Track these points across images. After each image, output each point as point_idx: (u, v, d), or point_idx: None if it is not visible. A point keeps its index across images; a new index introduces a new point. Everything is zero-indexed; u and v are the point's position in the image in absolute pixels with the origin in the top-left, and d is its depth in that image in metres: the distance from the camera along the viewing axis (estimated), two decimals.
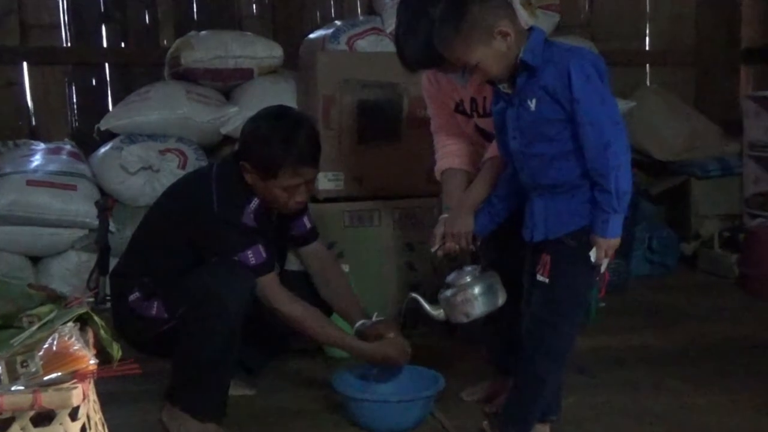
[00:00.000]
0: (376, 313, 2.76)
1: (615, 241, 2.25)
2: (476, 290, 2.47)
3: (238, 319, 2.52)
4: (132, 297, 2.67)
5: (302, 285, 2.82)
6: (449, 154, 2.79)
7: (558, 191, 2.29)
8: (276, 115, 2.66)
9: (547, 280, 2.32)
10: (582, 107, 2.17)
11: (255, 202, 2.61)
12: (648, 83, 5.61)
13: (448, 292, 2.50)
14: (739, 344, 3.46)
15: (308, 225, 2.87)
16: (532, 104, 2.24)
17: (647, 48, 5.69)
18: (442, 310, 2.51)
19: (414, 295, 2.57)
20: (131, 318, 2.68)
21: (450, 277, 2.53)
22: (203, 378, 2.55)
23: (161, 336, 2.62)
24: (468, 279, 2.48)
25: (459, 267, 2.54)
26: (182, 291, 2.54)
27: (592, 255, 2.27)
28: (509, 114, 2.32)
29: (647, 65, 5.67)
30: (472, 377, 2.98)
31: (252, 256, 2.56)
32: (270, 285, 2.60)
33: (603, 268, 2.33)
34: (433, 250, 2.61)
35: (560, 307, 2.34)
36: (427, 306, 2.53)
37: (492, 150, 2.59)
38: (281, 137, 2.54)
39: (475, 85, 2.59)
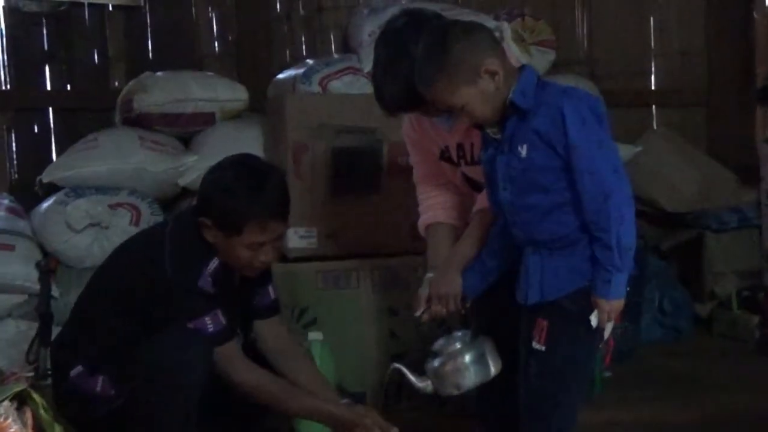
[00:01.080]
0: (347, 401, 2.75)
1: (618, 303, 2.26)
2: (467, 358, 2.46)
3: (194, 395, 2.49)
4: (74, 372, 2.65)
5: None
6: (434, 206, 2.81)
7: (555, 247, 2.30)
8: (240, 164, 2.66)
9: (543, 348, 2.32)
10: (579, 154, 2.19)
11: (214, 263, 2.60)
12: (654, 126, 5.66)
13: (436, 362, 2.49)
14: (762, 416, 3.45)
15: (272, 296, 2.86)
16: (524, 151, 2.26)
17: (653, 87, 5.76)
18: (429, 382, 2.50)
19: (397, 365, 2.55)
20: (74, 396, 2.65)
21: (437, 345, 2.52)
22: None
23: (108, 417, 2.60)
24: (458, 346, 2.48)
25: (447, 332, 2.55)
26: (131, 364, 2.53)
27: (593, 319, 2.27)
28: (499, 162, 2.34)
29: (653, 106, 5.72)
30: None
31: (210, 322, 2.55)
32: (229, 355, 2.59)
33: (607, 334, 2.33)
34: (417, 314, 2.61)
35: (560, 378, 2.33)
36: (412, 378, 2.51)
37: (481, 201, 2.61)
38: (246, 188, 2.54)
39: (462, 130, 2.62)
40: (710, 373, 4.10)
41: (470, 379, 2.47)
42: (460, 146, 2.69)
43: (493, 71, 2.24)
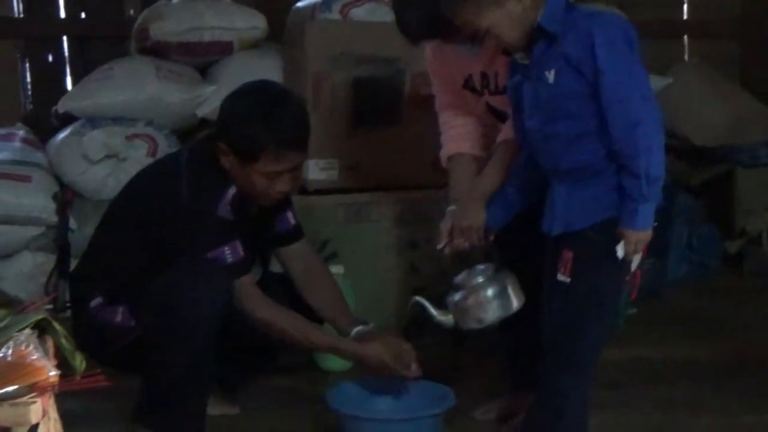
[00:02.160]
0: (372, 325, 2.78)
1: (645, 235, 2.25)
2: (489, 292, 2.48)
3: (213, 326, 2.52)
4: (93, 303, 2.68)
5: (286, 290, 2.83)
6: (457, 137, 2.81)
7: (581, 176, 2.29)
8: (259, 90, 2.65)
9: (568, 280, 2.32)
10: (607, 80, 2.17)
11: (232, 191, 2.59)
12: (686, 58, 5.61)
13: (458, 295, 2.51)
14: None
15: (292, 221, 2.86)
16: (551, 76, 2.24)
17: (685, 17, 5.69)
18: (451, 316, 2.53)
19: (418, 298, 2.58)
20: (93, 326, 2.68)
21: (459, 278, 2.54)
22: (177, 395, 2.56)
23: (128, 347, 2.63)
24: (480, 279, 2.50)
25: (469, 266, 2.55)
26: (150, 295, 2.54)
27: (620, 250, 2.26)
28: (526, 88, 2.33)
29: (685, 37, 5.67)
30: (485, 393, 3.01)
31: (229, 253, 2.55)
32: (246, 287, 2.60)
33: (633, 267, 2.33)
34: (439, 247, 2.63)
35: (584, 312, 2.33)
36: (434, 311, 2.54)
37: (506, 131, 2.61)
38: (263, 116, 2.52)
39: (486, 58, 2.61)
40: (738, 311, 4.11)
41: (492, 313, 2.49)
42: (483, 75, 2.68)
43: None
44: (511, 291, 2.50)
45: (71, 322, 2.75)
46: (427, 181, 3.71)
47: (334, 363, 3.23)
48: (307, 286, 2.83)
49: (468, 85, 2.74)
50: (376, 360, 2.62)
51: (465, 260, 2.63)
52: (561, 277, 2.33)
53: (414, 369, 2.66)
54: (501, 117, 2.69)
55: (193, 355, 2.52)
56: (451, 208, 2.64)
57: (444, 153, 2.83)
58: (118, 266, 2.69)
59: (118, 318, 2.65)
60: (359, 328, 2.73)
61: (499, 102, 2.66)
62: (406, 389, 2.75)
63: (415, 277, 3.70)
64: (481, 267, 2.54)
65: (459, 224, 2.56)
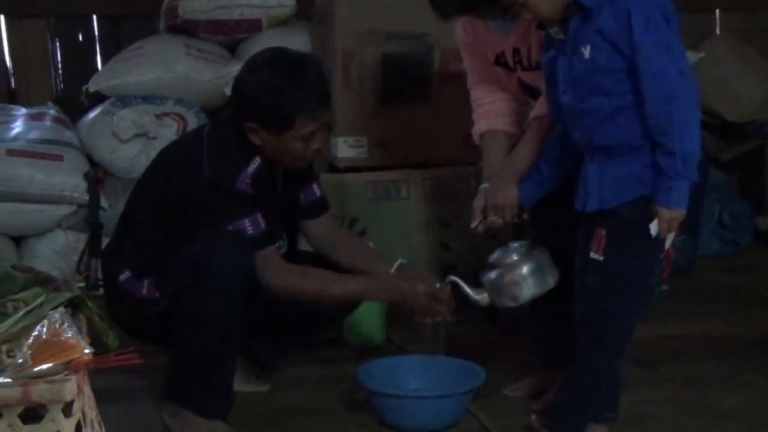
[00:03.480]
0: (399, 261, 2.78)
1: (680, 213, 2.24)
2: (525, 270, 2.49)
3: (236, 296, 2.52)
4: (122, 277, 2.71)
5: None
6: (489, 113, 2.79)
7: (615, 153, 2.28)
8: (274, 60, 2.63)
9: (601, 258, 2.31)
10: (643, 54, 2.15)
11: (255, 164, 2.60)
12: (718, 31, 5.54)
13: (493, 273, 2.52)
14: None
15: (318, 193, 2.87)
16: (587, 51, 2.23)
17: None
18: (486, 294, 2.54)
19: (453, 277, 2.60)
20: (122, 300, 2.72)
21: (494, 256, 2.55)
22: (203, 367, 2.57)
23: (155, 319, 2.65)
24: (515, 257, 2.51)
25: (503, 244, 2.55)
26: (172, 267, 2.56)
27: (653, 228, 2.25)
28: (561, 63, 2.31)
29: (717, 10, 5.59)
30: (516, 370, 3.01)
31: (249, 225, 2.55)
32: (268, 259, 2.60)
33: (667, 245, 2.32)
34: (473, 225, 2.63)
35: (617, 289, 2.33)
36: (468, 290, 2.55)
37: (539, 108, 2.59)
38: (290, 83, 2.54)
39: (518, 33, 2.59)
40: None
41: (528, 290, 2.50)
42: (516, 51, 2.67)
43: None
44: (546, 268, 2.52)
45: (104, 295, 2.80)
46: (456, 158, 3.72)
47: (365, 340, 3.24)
48: (334, 251, 2.84)
49: (499, 61, 2.72)
50: (408, 290, 2.63)
51: (498, 237, 2.63)
52: (594, 255, 2.32)
53: (445, 308, 2.65)
54: (533, 93, 2.68)
55: (217, 325, 2.52)
56: (484, 185, 2.64)
57: (477, 130, 2.82)
58: (143, 241, 2.72)
59: (144, 290, 2.68)
60: (400, 261, 2.75)
61: (531, 78, 2.64)
62: (436, 366, 2.75)
63: (446, 254, 3.70)
64: (515, 245, 2.55)
65: (492, 202, 2.56)
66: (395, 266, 2.76)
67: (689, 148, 2.17)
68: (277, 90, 2.53)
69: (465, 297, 2.56)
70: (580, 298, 2.40)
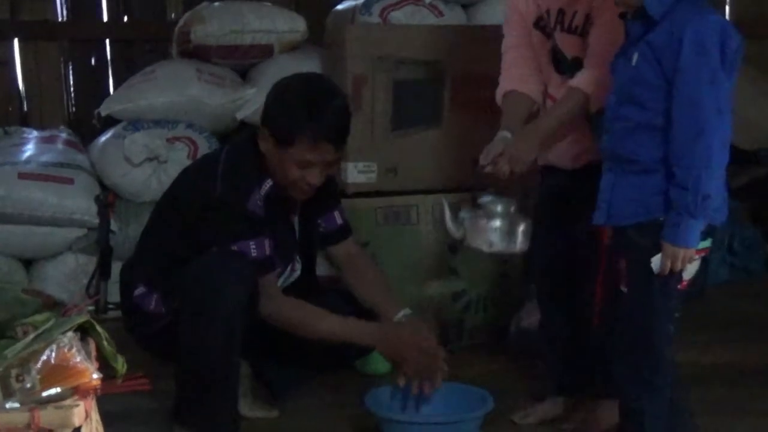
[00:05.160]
0: (406, 309, 2.77)
1: (685, 252, 2.15)
2: (501, 224, 2.52)
3: (236, 314, 2.52)
4: (137, 291, 2.75)
5: (335, 301, 2.82)
6: (517, 77, 2.80)
7: (630, 170, 2.23)
8: (308, 80, 2.72)
9: (626, 290, 2.28)
10: (685, 80, 2.09)
11: (267, 185, 2.64)
12: None
13: (471, 213, 2.56)
14: None
15: (339, 221, 2.90)
16: (634, 59, 2.19)
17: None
18: (462, 231, 2.56)
19: (444, 199, 2.63)
20: (135, 314, 2.76)
21: (483, 199, 2.57)
22: (205, 388, 2.57)
23: (160, 334, 2.67)
24: (499, 209, 2.53)
25: (497, 192, 2.57)
26: (176, 283, 2.58)
27: (655, 262, 2.18)
28: (618, 63, 2.28)
29: None
30: (524, 397, 3.01)
31: (254, 247, 2.57)
32: (265, 285, 2.61)
33: (686, 277, 2.24)
34: (481, 164, 2.61)
35: (645, 320, 2.26)
36: (449, 219, 2.57)
37: (581, 80, 2.58)
38: (306, 102, 2.58)
39: None
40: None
41: (496, 245, 2.53)
42: (561, 11, 2.67)
43: None
44: (520, 234, 2.54)
45: (121, 308, 2.86)
46: (467, 185, 3.71)
47: (374, 367, 3.24)
48: (353, 280, 2.88)
49: (539, 24, 2.73)
50: (398, 341, 2.64)
51: (496, 185, 2.62)
52: (622, 288, 2.29)
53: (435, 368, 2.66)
54: (560, 68, 2.69)
55: (219, 342, 2.52)
56: (503, 133, 2.63)
57: (501, 89, 2.83)
58: (157, 256, 2.75)
59: (152, 305, 2.71)
60: (404, 311, 2.74)
61: (567, 43, 2.64)
62: (444, 393, 2.75)
63: (455, 280, 3.69)
64: (505, 199, 2.56)
65: (511, 150, 2.55)
66: (400, 314, 2.74)
67: (706, 188, 2.09)
68: (291, 104, 2.59)
69: (443, 223, 2.58)
70: (614, 330, 2.35)
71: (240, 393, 2.75)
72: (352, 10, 4.14)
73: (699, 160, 2.08)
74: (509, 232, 2.52)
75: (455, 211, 2.59)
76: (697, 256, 2.20)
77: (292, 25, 4.34)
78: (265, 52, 4.29)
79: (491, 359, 3.44)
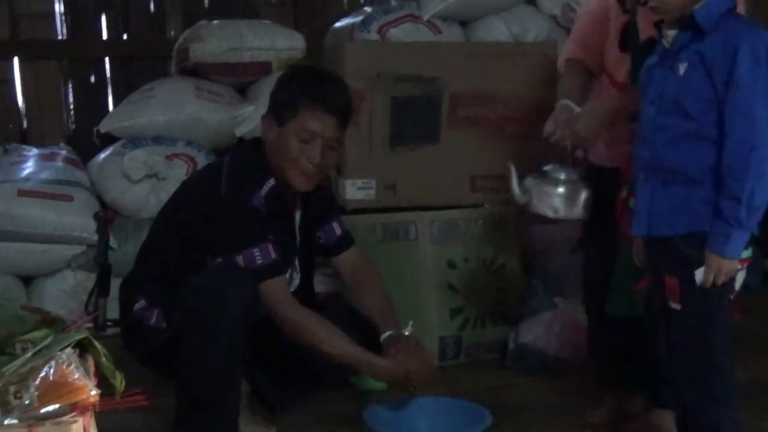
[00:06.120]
0: (411, 323, 2.78)
1: (731, 263, 2.15)
2: (561, 190, 2.62)
3: (237, 329, 2.51)
4: (137, 306, 2.74)
5: (339, 315, 2.81)
6: (581, 45, 2.87)
7: (672, 180, 2.22)
8: (311, 66, 2.91)
9: (679, 307, 2.24)
10: (741, 93, 2.09)
11: (269, 185, 2.66)
12: None
13: (541, 182, 2.64)
14: None
15: (339, 232, 2.92)
16: (682, 68, 2.18)
17: None
18: (525, 196, 2.65)
19: (510, 164, 2.69)
20: (135, 329, 2.75)
21: (548, 167, 2.67)
22: (205, 402, 2.56)
23: (161, 349, 2.66)
24: (562, 176, 2.63)
25: (561, 162, 2.67)
26: (178, 298, 2.57)
27: (699, 275, 2.17)
28: (657, 73, 2.28)
29: None
30: (523, 412, 3.01)
31: (259, 255, 2.58)
32: (275, 290, 2.61)
33: (737, 285, 2.23)
34: (546, 134, 2.71)
35: (703, 337, 2.25)
36: (515, 184, 2.66)
37: None
38: (308, 78, 2.71)
39: None
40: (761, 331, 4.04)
41: (559, 210, 2.63)
42: None
43: None
44: (582, 202, 2.63)
45: (120, 323, 2.84)
46: (464, 201, 3.73)
47: (371, 383, 3.23)
48: (355, 290, 2.91)
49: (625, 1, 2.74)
50: (400, 370, 2.64)
51: (558, 154, 2.72)
52: (673, 305, 2.25)
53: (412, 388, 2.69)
54: (626, 44, 2.70)
55: (219, 358, 2.50)
56: (565, 102, 2.71)
57: (564, 55, 2.91)
58: (159, 269, 2.75)
59: (153, 320, 2.71)
60: (390, 332, 2.73)
61: (647, 22, 2.59)
62: (442, 408, 2.75)
63: (453, 295, 3.69)
64: (569, 168, 2.65)
65: (574, 127, 2.62)
66: (385, 336, 2.73)
67: (758, 199, 2.10)
68: (295, 81, 2.70)
69: (510, 188, 2.67)
70: (672, 350, 2.32)
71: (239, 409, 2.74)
72: (351, 28, 4.16)
73: (753, 172, 2.09)
74: (572, 200, 2.62)
75: (521, 178, 2.67)
76: (741, 266, 2.20)
77: (290, 42, 4.36)
78: (264, 69, 4.31)
79: (490, 375, 3.44)
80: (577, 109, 2.68)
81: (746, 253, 2.19)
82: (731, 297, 2.25)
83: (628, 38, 2.71)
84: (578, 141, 2.63)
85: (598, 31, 2.83)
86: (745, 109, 2.09)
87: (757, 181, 2.09)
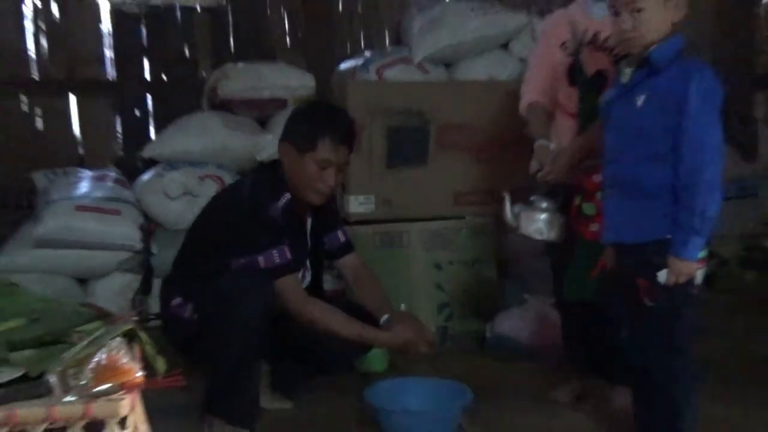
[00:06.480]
0: (402, 305, 2.79)
1: (689, 265, 2.15)
2: (542, 217, 2.64)
3: (254, 324, 2.51)
4: (174, 302, 2.74)
5: (342, 306, 2.79)
6: (538, 89, 2.86)
7: (636, 195, 2.21)
8: (320, 102, 2.89)
9: (652, 305, 2.22)
10: (693, 121, 2.09)
11: (285, 199, 2.66)
12: None
13: (523, 208, 2.67)
14: (756, 360, 3.41)
15: (342, 239, 2.91)
16: (639, 101, 2.18)
17: None
18: (518, 221, 2.67)
19: (506, 194, 2.69)
20: (172, 322, 2.75)
21: (533, 198, 2.68)
22: (231, 382, 2.57)
23: (194, 337, 2.65)
24: (544, 205, 2.64)
25: (545, 194, 2.67)
26: (207, 297, 2.58)
27: (662, 276, 2.16)
28: (617, 105, 2.27)
29: None
30: (499, 391, 3.01)
31: (277, 255, 2.58)
32: (289, 286, 2.61)
33: (698, 282, 2.20)
34: (532, 171, 2.73)
35: (671, 326, 2.23)
36: (508, 211, 2.67)
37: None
38: (325, 115, 2.68)
39: (607, 24, 2.58)
40: (711, 323, 4.00)
41: (540, 233, 2.65)
42: (597, 34, 2.69)
43: (681, 10, 2.18)
44: (557, 227, 2.64)
45: (161, 317, 2.83)
46: (448, 214, 3.73)
47: (371, 366, 3.23)
48: (356, 288, 2.89)
49: (563, 45, 2.76)
50: (399, 340, 2.66)
51: (538, 188, 2.72)
52: (647, 302, 2.23)
53: (428, 343, 2.69)
54: (574, 81, 2.73)
55: (240, 347, 2.52)
56: (542, 142, 2.72)
57: (525, 101, 2.88)
58: (192, 271, 2.74)
59: (187, 313, 2.70)
60: (386, 316, 2.75)
61: (594, 59, 2.67)
62: (431, 387, 2.74)
63: (440, 293, 3.69)
64: (549, 199, 2.66)
65: (554, 167, 2.65)
66: (384, 318, 2.75)
67: (711, 210, 2.10)
68: (311, 117, 2.68)
69: (503, 214, 2.68)
70: (638, 341, 2.30)
71: (259, 387, 2.74)
72: (353, 69, 4.17)
73: (705, 188, 2.09)
74: (552, 225, 2.63)
75: (512, 202, 2.69)
76: (700, 266, 2.19)
77: (303, 81, 4.36)
78: (281, 104, 4.30)
79: (471, 360, 3.43)
80: (552, 146, 2.69)
81: (703, 254, 2.18)
82: (695, 291, 2.23)
83: (574, 75, 2.73)
84: (558, 178, 2.64)
85: (549, 75, 2.83)
86: (697, 134, 2.09)
87: (709, 195, 2.10)
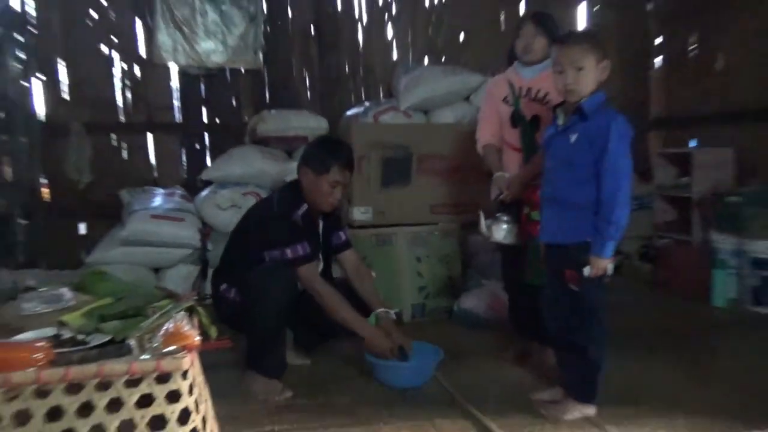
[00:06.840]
0: (394, 311, 2.76)
1: (606, 261, 2.15)
2: (504, 227, 2.65)
3: (282, 304, 2.49)
4: (222, 288, 2.72)
5: (343, 290, 2.76)
6: (489, 133, 2.84)
7: (568, 207, 2.20)
8: (328, 137, 2.90)
9: (577, 290, 2.21)
10: (610, 156, 2.09)
11: (303, 208, 2.65)
12: None
13: (490, 221, 2.68)
14: (652, 329, 3.40)
15: (343, 237, 2.88)
16: (572, 138, 2.18)
17: None
18: (489, 231, 2.68)
19: (480, 213, 2.69)
20: (221, 302, 2.72)
21: (498, 214, 2.69)
22: (265, 345, 2.55)
23: (239, 314, 2.63)
24: (505, 218, 2.65)
25: (505, 211, 2.68)
26: (246, 282, 2.56)
27: (586, 270, 2.16)
28: (555, 142, 2.26)
29: None
30: (463, 352, 2.98)
31: (300, 248, 2.57)
32: (309, 271, 2.59)
33: (609, 274, 2.19)
34: (493, 197, 2.75)
35: (591, 305, 2.23)
36: (483, 224, 2.68)
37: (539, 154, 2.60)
38: (333, 146, 2.67)
39: (539, 80, 2.63)
40: (618, 302, 3.99)
41: (504, 238, 2.66)
42: (529, 89, 2.70)
43: (606, 71, 2.18)
44: (515, 234, 2.66)
45: (212, 300, 2.79)
46: (426, 221, 3.72)
47: None
48: (355, 278, 2.84)
49: (505, 99, 2.76)
50: (376, 341, 2.60)
51: (501, 206, 2.72)
52: (573, 287, 2.22)
53: (393, 352, 2.61)
54: (515, 123, 2.72)
55: (272, 320, 2.50)
56: (499, 174, 2.72)
57: (481, 142, 2.86)
58: (234, 263, 2.71)
59: (232, 295, 2.68)
60: (384, 309, 2.70)
61: (530, 107, 2.67)
62: (414, 348, 2.71)
63: (420, 279, 3.67)
64: (507, 214, 2.67)
65: (510, 189, 2.65)
66: (379, 310, 2.70)
67: (622, 221, 2.11)
68: (326, 148, 2.66)
69: (479, 225, 2.68)
70: (561, 315, 2.27)
71: (286, 348, 2.71)
72: (356, 115, 4.17)
73: (618, 204, 2.10)
74: (512, 233, 2.65)
75: (484, 220, 2.70)
76: (612, 261, 2.19)
77: (318, 123, 4.35)
78: (303, 140, 4.29)
79: (442, 328, 3.41)
80: (507, 175, 2.69)
81: (611, 253, 2.19)
82: (608, 279, 2.24)
83: (515, 120, 2.72)
84: (513, 197, 2.64)
85: (496, 122, 2.82)
86: (613, 166, 2.10)
87: (621, 211, 2.10)
